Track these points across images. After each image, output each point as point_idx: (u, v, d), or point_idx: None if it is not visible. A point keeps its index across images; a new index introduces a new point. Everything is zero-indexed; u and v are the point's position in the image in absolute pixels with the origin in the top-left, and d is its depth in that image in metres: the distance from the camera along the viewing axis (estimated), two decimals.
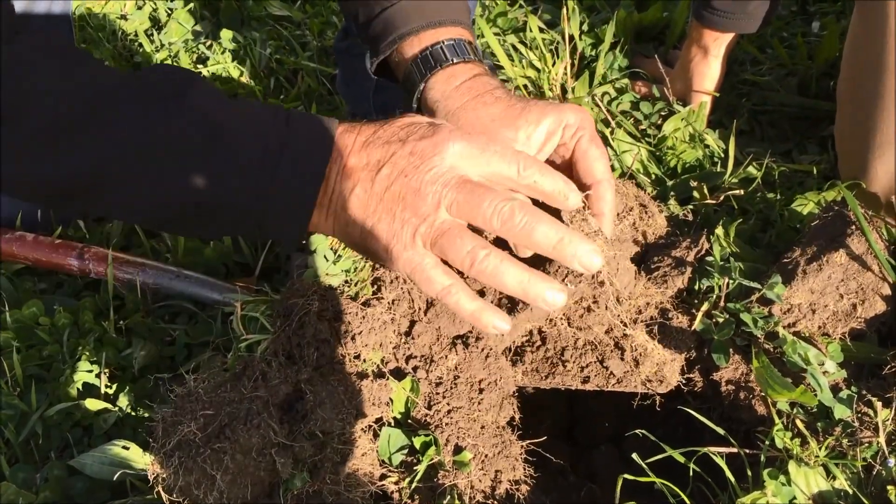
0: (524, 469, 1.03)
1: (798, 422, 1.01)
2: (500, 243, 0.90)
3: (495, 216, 0.80)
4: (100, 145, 0.81)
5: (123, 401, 1.31)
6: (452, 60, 1.02)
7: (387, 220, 0.82)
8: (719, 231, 1.22)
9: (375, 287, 1.12)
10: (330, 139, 0.84)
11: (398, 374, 1.05)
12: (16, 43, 0.81)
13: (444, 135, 0.83)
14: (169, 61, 2.11)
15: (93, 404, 1.28)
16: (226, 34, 2.14)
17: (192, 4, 2.28)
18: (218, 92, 0.87)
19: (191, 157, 0.82)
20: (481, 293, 1.03)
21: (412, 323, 1.08)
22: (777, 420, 1.01)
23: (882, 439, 0.97)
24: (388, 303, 1.08)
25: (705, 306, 1.11)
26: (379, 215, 0.82)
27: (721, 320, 1.09)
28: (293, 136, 0.83)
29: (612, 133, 1.54)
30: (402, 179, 0.81)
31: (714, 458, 0.98)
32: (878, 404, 0.98)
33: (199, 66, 2.10)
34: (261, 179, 0.82)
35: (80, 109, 0.81)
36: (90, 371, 1.34)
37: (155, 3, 2.31)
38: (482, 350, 1.06)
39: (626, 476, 0.96)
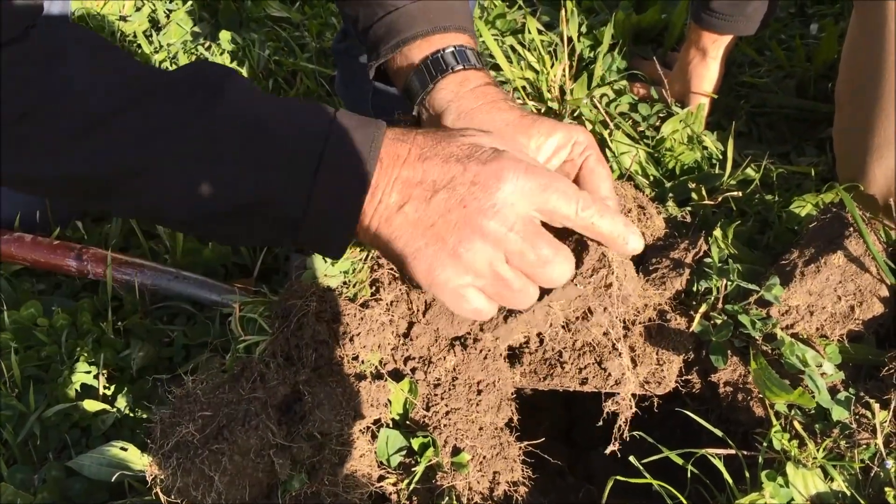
0: (522, 470, 1.03)
1: (796, 423, 1.01)
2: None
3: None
4: (135, 141, 0.78)
5: (122, 402, 1.31)
6: (464, 66, 1.03)
7: (435, 248, 0.79)
8: (717, 233, 1.22)
9: (374, 288, 1.12)
10: (378, 145, 0.80)
11: (396, 376, 1.05)
12: (45, 34, 0.79)
13: (507, 164, 0.78)
14: (168, 63, 2.11)
15: (91, 405, 1.28)
16: (224, 35, 2.14)
17: (190, 5, 2.28)
18: (256, 87, 0.83)
19: (228, 154, 0.78)
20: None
21: (410, 324, 1.08)
22: (775, 422, 1.02)
23: (880, 441, 0.97)
24: (387, 304, 1.08)
25: (703, 308, 1.11)
26: (427, 240, 0.79)
27: (719, 322, 1.09)
28: (338, 139, 0.79)
29: (610, 135, 1.54)
30: (461, 210, 0.78)
31: (712, 459, 0.99)
32: (876, 406, 0.99)
33: None
34: (301, 182, 0.78)
35: (115, 104, 0.78)
36: (88, 372, 1.34)
37: (154, 5, 2.31)
38: (480, 351, 1.06)
39: (623, 478, 0.96)
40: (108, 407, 1.30)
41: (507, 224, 0.78)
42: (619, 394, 1.04)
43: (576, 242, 0.92)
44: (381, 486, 0.99)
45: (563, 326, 1.05)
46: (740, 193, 1.37)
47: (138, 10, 2.32)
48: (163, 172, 0.79)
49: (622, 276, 0.95)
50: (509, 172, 0.78)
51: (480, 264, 0.79)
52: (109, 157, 0.79)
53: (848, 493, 0.94)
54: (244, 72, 2.04)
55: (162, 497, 0.95)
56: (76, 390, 1.33)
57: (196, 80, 0.80)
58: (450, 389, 1.04)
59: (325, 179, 0.78)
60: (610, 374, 1.07)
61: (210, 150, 0.78)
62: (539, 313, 0.95)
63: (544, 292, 0.88)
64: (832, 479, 0.96)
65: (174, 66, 2.09)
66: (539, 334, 1.09)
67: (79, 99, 0.78)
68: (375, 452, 1.01)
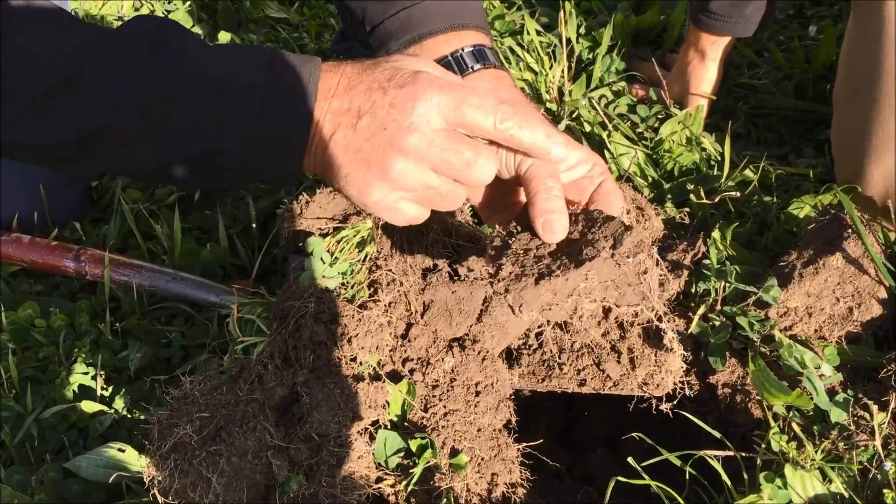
0: (521, 472, 1.03)
1: (794, 425, 1.01)
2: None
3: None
4: (91, 104, 0.82)
5: (119, 403, 1.31)
6: (484, 65, 1.04)
7: (364, 170, 0.85)
8: (716, 234, 1.22)
9: (372, 290, 1.12)
10: (314, 80, 0.85)
11: (395, 377, 1.05)
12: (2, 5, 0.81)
13: (422, 84, 0.83)
14: None
15: (89, 406, 1.28)
16: (223, 36, 2.14)
17: (189, 6, 2.28)
18: (197, 38, 0.88)
19: (178, 106, 0.83)
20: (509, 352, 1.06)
21: (408, 325, 1.08)
22: (773, 423, 1.02)
23: (878, 443, 0.97)
24: (385, 305, 1.08)
25: (702, 309, 1.11)
26: (357, 164, 0.85)
27: (717, 323, 1.09)
28: (277, 82, 0.84)
29: (608, 136, 1.54)
30: (382, 133, 0.83)
31: (710, 461, 0.98)
32: (875, 408, 0.99)
33: None
34: (248, 127, 0.84)
35: (68, 70, 0.81)
36: (86, 373, 1.34)
37: (152, 5, 2.31)
38: (479, 353, 1.06)
39: (622, 479, 0.96)
40: (105, 408, 1.29)
41: (425, 139, 0.83)
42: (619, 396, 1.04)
43: (615, 222, 0.90)
44: (379, 488, 0.99)
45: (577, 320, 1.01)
46: (739, 195, 1.37)
47: (137, 10, 2.32)
48: (121, 131, 0.84)
49: (655, 267, 0.92)
50: (424, 91, 0.82)
51: (407, 179, 0.84)
52: (70, 122, 0.83)
53: (846, 495, 0.94)
54: None
55: (160, 498, 0.94)
56: (74, 391, 1.32)
57: (140, 34, 0.84)
58: (448, 391, 1.04)
59: (269, 123, 0.84)
60: (609, 376, 1.07)
61: (160, 104, 0.83)
62: (573, 281, 0.88)
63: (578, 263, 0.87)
64: (830, 481, 0.96)
65: None
66: (538, 335, 1.09)
67: (34, 68, 0.81)
68: (373, 454, 1.01)
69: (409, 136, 0.82)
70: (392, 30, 1.07)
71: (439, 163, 0.84)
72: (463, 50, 1.04)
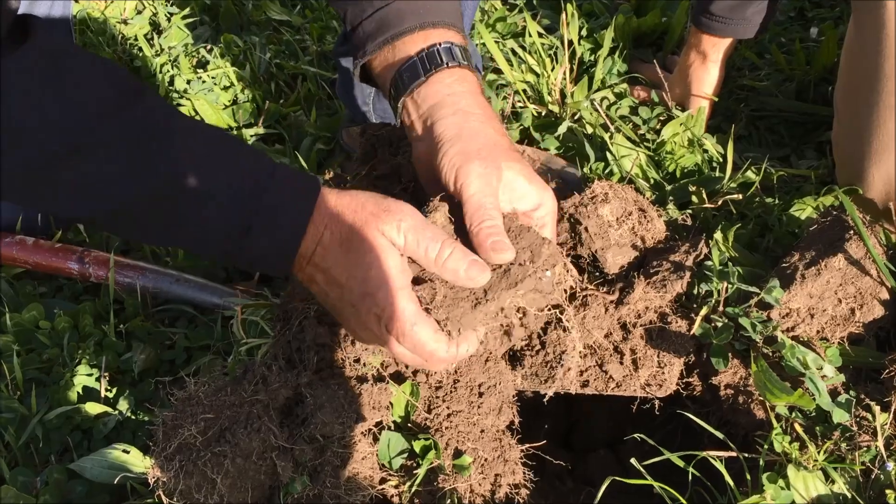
0: (523, 473, 1.03)
1: (797, 426, 1.01)
2: None
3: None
4: (86, 188, 0.88)
5: (123, 404, 1.31)
6: (459, 63, 1.04)
7: (345, 322, 0.98)
8: (718, 236, 1.23)
9: None
10: (297, 239, 0.93)
11: (398, 378, 1.05)
12: (12, 59, 0.82)
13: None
14: (169, 66, 2.11)
15: (93, 408, 1.29)
16: (226, 38, 2.14)
17: (191, 8, 2.29)
18: (203, 130, 0.94)
19: (172, 217, 0.91)
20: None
21: None
22: (776, 424, 1.02)
23: (880, 443, 0.97)
24: None
25: (704, 310, 1.11)
26: (338, 314, 0.98)
27: (720, 324, 1.09)
28: (266, 217, 0.92)
29: (610, 138, 1.55)
30: (349, 309, 0.95)
31: (713, 462, 0.99)
32: (877, 408, 0.99)
33: (198, 70, 2.10)
34: (238, 244, 0.93)
35: (65, 148, 0.85)
36: (90, 375, 1.35)
37: (155, 8, 2.31)
38: (482, 354, 1.06)
39: (621, 479, 0.96)
40: (109, 409, 1.30)
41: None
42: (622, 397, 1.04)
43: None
44: (383, 489, 0.99)
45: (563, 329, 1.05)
46: (740, 196, 1.37)
47: (139, 13, 2.32)
48: (115, 218, 0.93)
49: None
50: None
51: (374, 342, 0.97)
52: (58, 202, 0.91)
53: (849, 496, 0.95)
54: (245, 75, 2.04)
55: (164, 499, 0.95)
56: (78, 393, 1.33)
57: (145, 124, 0.89)
58: (451, 392, 1.04)
59: (254, 247, 0.93)
60: (611, 377, 1.07)
61: (155, 207, 0.90)
62: (503, 300, 0.96)
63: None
64: (833, 482, 0.96)
65: (175, 70, 2.09)
66: (540, 336, 1.10)
67: (33, 140, 0.85)
68: (377, 455, 1.01)
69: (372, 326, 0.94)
70: (369, 31, 1.08)
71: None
72: (439, 45, 1.04)
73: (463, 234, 0.97)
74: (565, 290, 1.03)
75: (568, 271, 1.03)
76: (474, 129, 1.00)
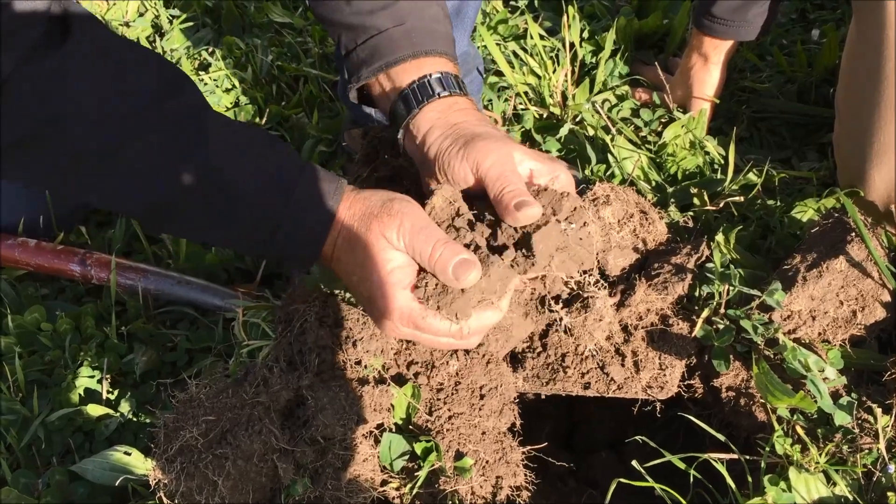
0: (525, 475, 1.03)
1: (798, 428, 1.01)
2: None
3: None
4: (129, 180, 0.91)
5: (125, 406, 1.31)
6: (450, 92, 1.06)
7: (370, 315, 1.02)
8: (719, 238, 1.23)
9: None
10: (321, 241, 0.97)
11: (399, 380, 1.05)
12: (59, 56, 0.85)
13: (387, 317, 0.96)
14: None
15: (94, 410, 1.29)
16: (227, 41, 2.14)
17: (193, 10, 2.29)
18: (236, 133, 0.96)
19: (205, 213, 0.95)
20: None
21: None
22: (777, 426, 1.02)
23: (882, 446, 0.97)
24: None
25: (706, 313, 1.11)
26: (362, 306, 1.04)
27: (721, 327, 1.09)
28: (294, 214, 0.96)
29: (612, 140, 1.55)
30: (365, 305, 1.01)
31: (714, 464, 0.99)
32: (878, 411, 0.99)
33: (200, 72, 2.10)
34: (265, 247, 0.99)
35: (112, 140, 0.88)
36: (92, 376, 1.35)
37: (157, 10, 2.32)
38: (483, 356, 1.06)
39: (626, 481, 0.96)
40: (111, 411, 1.30)
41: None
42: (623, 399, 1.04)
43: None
44: (384, 491, 0.99)
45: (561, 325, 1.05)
46: (742, 198, 1.37)
47: (141, 15, 2.32)
48: (152, 214, 0.97)
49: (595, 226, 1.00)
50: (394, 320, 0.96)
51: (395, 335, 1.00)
52: (95, 195, 0.94)
53: (850, 498, 0.95)
54: (247, 77, 2.04)
55: (165, 501, 0.95)
56: (80, 395, 1.33)
57: (184, 123, 0.92)
58: (452, 394, 1.04)
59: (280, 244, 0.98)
60: (613, 379, 1.07)
61: (189, 204, 0.94)
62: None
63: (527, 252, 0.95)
64: (834, 484, 0.96)
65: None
66: (542, 338, 1.10)
67: (73, 134, 0.87)
68: (378, 457, 1.01)
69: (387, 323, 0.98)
70: (363, 57, 1.10)
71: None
72: (430, 76, 1.06)
73: (477, 206, 1.00)
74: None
75: (597, 220, 1.03)
76: (470, 129, 1.02)
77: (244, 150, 0.96)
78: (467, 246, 0.95)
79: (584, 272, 1.03)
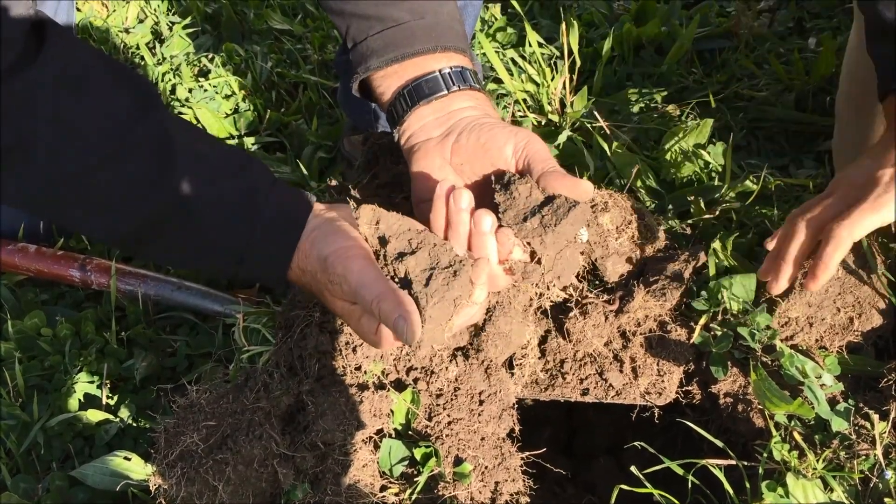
0: (524, 480, 1.04)
1: (796, 434, 1.02)
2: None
3: None
4: (91, 212, 0.90)
5: (125, 412, 1.31)
6: (459, 87, 1.06)
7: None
8: (716, 245, 1.23)
9: None
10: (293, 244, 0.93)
11: (399, 386, 1.06)
12: (34, 69, 0.83)
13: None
14: (170, 74, 2.12)
15: (94, 415, 1.29)
16: (227, 47, 2.15)
17: (193, 17, 2.30)
18: (203, 150, 0.94)
19: (173, 242, 0.94)
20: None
21: None
22: (775, 432, 1.02)
23: (879, 452, 0.97)
24: None
25: (703, 319, 1.11)
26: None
27: (719, 333, 1.10)
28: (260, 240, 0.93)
29: (610, 147, 1.56)
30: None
31: (712, 470, 0.99)
32: (875, 417, 0.99)
33: (200, 79, 2.11)
34: (232, 270, 0.96)
35: (71, 172, 0.86)
36: (91, 382, 1.35)
37: (157, 17, 2.33)
38: (482, 362, 1.07)
39: (624, 487, 0.97)
40: (111, 417, 1.30)
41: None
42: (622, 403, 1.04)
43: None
44: (384, 497, 1.00)
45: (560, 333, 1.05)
46: (739, 205, 1.38)
47: (141, 21, 2.33)
48: (123, 240, 0.95)
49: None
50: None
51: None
52: (66, 220, 0.93)
53: None
54: (247, 83, 2.05)
55: None
56: (79, 400, 1.33)
57: (151, 150, 0.89)
58: (452, 399, 1.05)
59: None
60: (611, 385, 1.08)
61: (151, 231, 0.92)
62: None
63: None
64: (832, 490, 0.96)
65: (177, 79, 2.10)
66: (540, 344, 1.10)
67: (45, 157, 0.85)
68: (378, 462, 1.01)
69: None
70: (375, 47, 1.09)
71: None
72: (448, 69, 1.06)
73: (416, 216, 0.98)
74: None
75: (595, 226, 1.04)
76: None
77: (208, 173, 0.93)
78: (404, 278, 0.90)
79: (582, 279, 1.03)
